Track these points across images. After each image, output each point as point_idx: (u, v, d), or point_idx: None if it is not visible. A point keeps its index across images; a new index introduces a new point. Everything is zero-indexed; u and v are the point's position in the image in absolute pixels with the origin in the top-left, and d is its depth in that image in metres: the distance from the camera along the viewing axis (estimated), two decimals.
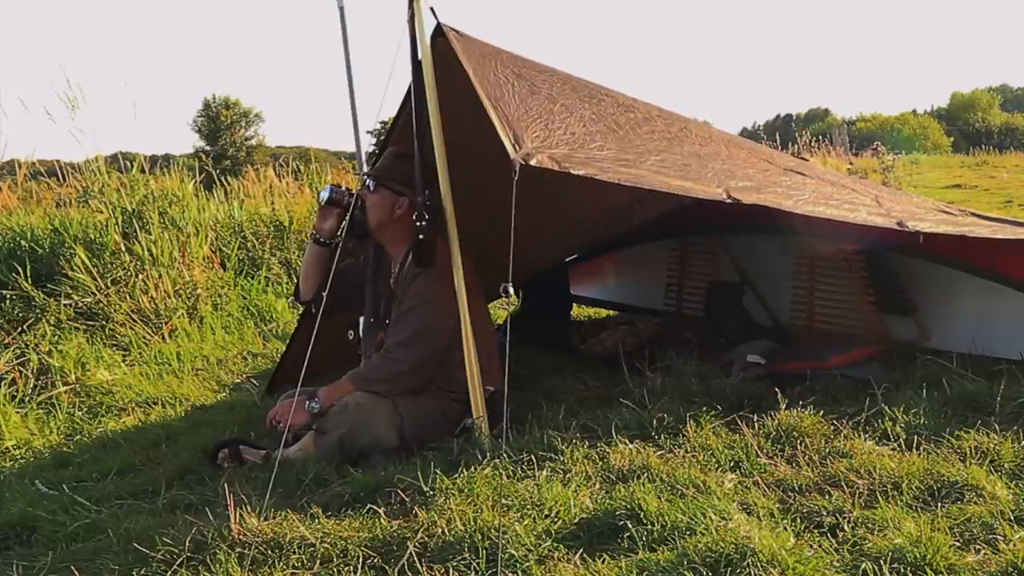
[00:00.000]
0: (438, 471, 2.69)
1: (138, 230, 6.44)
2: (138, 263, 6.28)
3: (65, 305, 5.77)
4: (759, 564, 2.05)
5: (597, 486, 2.61)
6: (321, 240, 3.54)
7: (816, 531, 2.30)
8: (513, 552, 2.21)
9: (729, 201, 3.23)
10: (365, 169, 7.14)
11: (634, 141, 3.53)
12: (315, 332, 3.21)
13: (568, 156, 3.05)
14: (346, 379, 3.30)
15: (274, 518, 2.50)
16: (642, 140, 3.57)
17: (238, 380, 5.10)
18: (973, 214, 4.14)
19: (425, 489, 2.61)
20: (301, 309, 5.24)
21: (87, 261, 6.01)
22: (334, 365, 3.65)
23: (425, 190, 3.17)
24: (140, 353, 5.57)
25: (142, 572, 2.33)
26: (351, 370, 3.37)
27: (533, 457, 2.79)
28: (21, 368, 4.92)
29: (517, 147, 2.90)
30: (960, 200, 12.03)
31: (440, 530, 2.33)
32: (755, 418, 3.07)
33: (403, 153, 3.39)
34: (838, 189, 3.84)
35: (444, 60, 3.17)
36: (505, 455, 2.78)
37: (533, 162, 2.87)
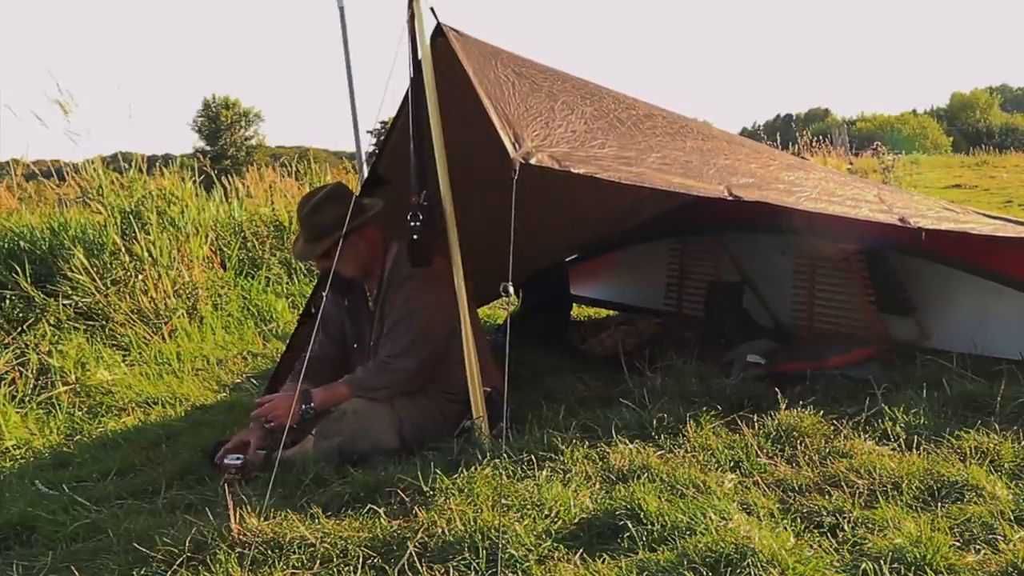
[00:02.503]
0: (438, 471, 2.69)
1: (137, 230, 6.44)
2: (137, 263, 6.28)
3: (65, 305, 5.77)
4: (759, 564, 2.05)
5: (597, 486, 2.61)
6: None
7: (816, 531, 2.30)
8: (513, 552, 2.21)
9: (731, 199, 3.22)
10: (364, 170, 7.14)
11: (636, 137, 3.52)
12: (315, 332, 3.20)
13: (568, 154, 3.04)
14: (342, 384, 3.28)
15: (274, 518, 2.50)
16: (644, 136, 3.56)
17: (238, 380, 5.10)
18: (974, 212, 4.14)
19: (425, 489, 2.60)
20: (301, 309, 5.26)
21: (86, 261, 6.01)
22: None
23: (422, 191, 3.16)
24: (140, 353, 5.57)
25: (142, 572, 2.33)
26: (347, 375, 3.36)
27: (533, 457, 2.79)
28: (21, 368, 4.91)
29: (517, 146, 2.90)
30: (960, 200, 12.01)
31: (440, 530, 2.33)
32: (755, 418, 3.07)
33: (315, 205, 3.33)
34: (840, 186, 3.83)
35: (444, 60, 3.17)
36: (505, 455, 2.78)
37: (533, 161, 2.86)
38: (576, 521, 2.38)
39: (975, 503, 2.38)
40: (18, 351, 5.10)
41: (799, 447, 2.84)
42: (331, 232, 3.26)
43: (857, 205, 3.54)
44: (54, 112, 6.69)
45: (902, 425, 2.92)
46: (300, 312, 5.06)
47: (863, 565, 2.06)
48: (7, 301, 5.73)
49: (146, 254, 6.34)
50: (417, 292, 3.25)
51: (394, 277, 3.33)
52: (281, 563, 2.30)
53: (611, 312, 5.90)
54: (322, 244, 3.28)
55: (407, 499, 2.59)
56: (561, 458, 2.80)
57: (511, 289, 2.90)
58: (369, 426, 3.16)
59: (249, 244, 7.74)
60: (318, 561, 2.31)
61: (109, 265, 6.20)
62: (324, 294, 3.40)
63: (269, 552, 2.35)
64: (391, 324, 3.31)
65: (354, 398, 3.24)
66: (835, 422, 3.01)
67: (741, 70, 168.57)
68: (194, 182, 7.82)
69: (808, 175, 3.85)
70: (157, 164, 8.04)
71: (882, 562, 2.06)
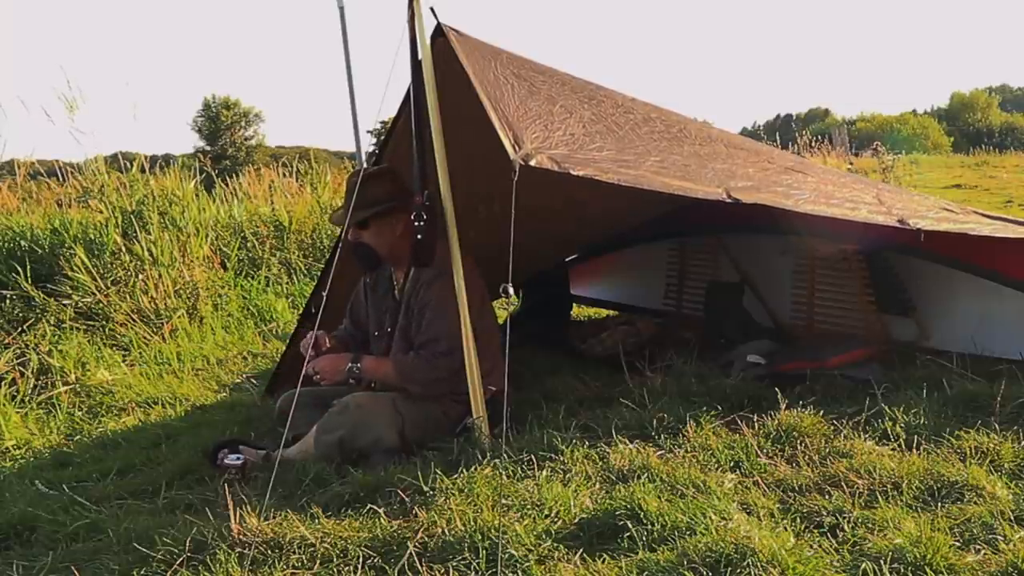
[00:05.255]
0: (438, 471, 2.69)
1: (138, 230, 6.44)
2: (138, 263, 6.29)
3: (65, 305, 5.76)
4: (759, 564, 2.05)
5: (597, 486, 2.61)
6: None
7: (816, 531, 2.30)
8: (513, 552, 2.20)
9: (729, 201, 3.23)
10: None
11: (634, 142, 3.52)
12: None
13: (568, 156, 3.05)
14: (390, 362, 3.32)
15: (274, 518, 2.49)
16: (642, 141, 3.57)
17: (238, 380, 5.10)
18: (974, 212, 4.14)
19: (425, 489, 2.60)
20: (301, 309, 5.26)
21: (87, 261, 6.01)
22: None
23: (423, 191, 3.16)
24: (140, 353, 5.57)
25: (142, 572, 2.33)
26: (395, 356, 3.35)
27: (533, 457, 2.79)
28: (21, 368, 4.91)
29: (517, 147, 2.90)
30: (960, 200, 12.00)
31: (440, 530, 2.33)
32: (755, 418, 3.07)
33: (370, 174, 3.39)
34: (839, 188, 3.83)
35: (444, 60, 3.17)
36: (505, 455, 2.78)
37: (533, 162, 2.86)
38: (576, 521, 2.38)
39: (975, 503, 2.38)
40: (18, 351, 5.11)
41: (799, 447, 2.84)
42: (379, 203, 3.33)
43: (856, 207, 3.54)
44: (60, 109, 6.72)
45: (902, 425, 2.92)
46: (300, 312, 5.07)
47: (863, 565, 2.06)
48: (7, 301, 5.73)
49: (146, 254, 6.34)
50: (447, 292, 3.21)
51: (424, 272, 3.33)
52: (281, 563, 2.30)
53: (611, 312, 5.90)
54: (366, 212, 3.32)
55: (407, 499, 2.59)
56: (561, 458, 2.80)
57: (511, 290, 2.90)
58: (371, 421, 3.16)
59: (249, 244, 7.75)
60: (318, 561, 2.31)
61: (110, 265, 6.20)
62: (324, 293, 3.39)
63: (269, 552, 2.35)
64: (428, 320, 3.29)
65: (357, 392, 3.26)
66: (835, 422, 3.01)
67: (741, 70, 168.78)
68: (196, 183, 7.83)
69: (807, 178, 3.85)
70: (157, 164, 8.04)
71: (882, 562, 2.06)
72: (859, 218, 3.46)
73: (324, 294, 3.38)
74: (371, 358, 3.35)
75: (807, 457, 2.77)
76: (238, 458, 3.18)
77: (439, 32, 3.24)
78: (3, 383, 4.71)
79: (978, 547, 2.14)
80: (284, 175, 9.88)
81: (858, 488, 2.50)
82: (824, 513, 2.37)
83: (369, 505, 2.58)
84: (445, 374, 3.23)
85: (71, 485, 3.27)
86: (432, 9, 3.19)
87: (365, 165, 7.70)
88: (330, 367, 3.30)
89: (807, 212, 3.40)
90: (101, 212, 6.68)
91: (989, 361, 3.57)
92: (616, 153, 3.30)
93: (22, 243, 6.34)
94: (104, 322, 5.84)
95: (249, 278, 7.28)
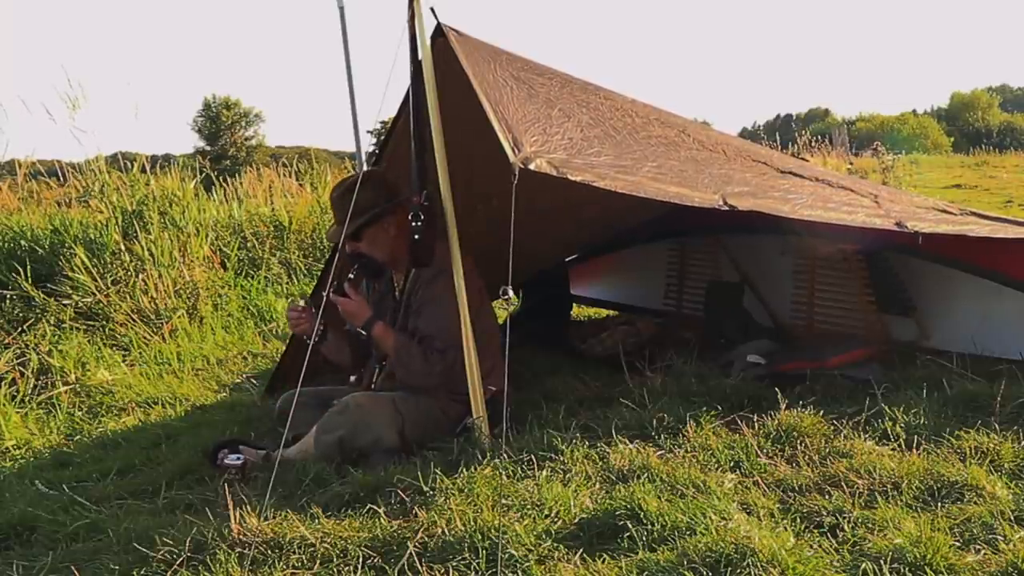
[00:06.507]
0: (438, 471, 2.69)
1: (138, 230, 6.44)
2: (138, 263, 6.28)
3: (65, 305, 5.76)
4: (759, 564, 2.05)
5: (597, 486, 2.61)
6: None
7: (816, 531, 2.30)
8: (513, 552, 2.21)
9: (725, 208, 3.24)
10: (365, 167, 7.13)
11: (631, 146, 3.53)
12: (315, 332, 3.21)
13: (566, 161, 3.05)
14: (394, 339, 3.30)
15: (274, 518, 2.49)
16: (639, 145, 3.58)
17: (238, 380, 5.09)
18: (973, 213, 4.14)
19: (425, 489, 2.60)
20: None
21: (87, 261, 6.01)
22: (334, 365, 3.65)
23: (422, 191, 3.16)
24: (140, 353, 5.57)
25: (142, 572, 2.33)
26: (400, 335, 3.33)
27: (533, 457, 2.79)
28: (21, 368, 4.91)
29: (516, 151, 2.90)
30: (960, 200, 12.01)
31: (440, 530, 2.33)
32: (755, 418, 3.07)
33: (350, 184, 3.36)
34: (836, 191, 3.84)
35: (444, 60, 3.17)
36: (505, 455, 2.78)
37: (532, 166, 2.87)
38: (576, 521, 2.38)
39: (975, 503, 2.38)
40: (18, 351, 5.11)
41: (799, 447, 2.84)
42: (363, 212, 3.29)
43: (853, 211, 3.55)
44: (61, 108, 6.72)
45: (902, 425, 2.92)
46: None
47: (863, 565, 2.06)
48: (7, 301, 5.73)
49: (147, 254, 6.34)
50: (447, 290, 3.19)
51: (423, 271, 3.32)
52: (281, 563, 2.30)
53: (611, 312, 5.90)
54: (353, 223, 3.28)
55: (407, 499, 2.59)
56: (561, 458, 2.80)
57: (511, 292, 2.90)
58: (371, 421, 3.16)
59: (249, 244, 7.75)
60: (318, 561, 2.31)
61: (110, 265, 6.20)
62: (325, 293, 3.39)
63: (269, 552, 2.35)
64: (424, 319, 3.29)
65: (357, 393, 3.26)
66: (835, 422, 3.01)
67: (741, 70, 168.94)
68: (195, 183, 7.82)
69: (804, 182, 3.86)
70: (158, 164, 8.04)
71: (882, 562, 2.07)
72: (857, 222, 3.47)
73: (324, 294, 3.39)
74: (383, 325, 3.31)
75: (807, 457, 2.77)
76: (238, 458, 3.18)
77: (439, 32, 3.24)
78: (3, 383, 4.70)
79: (978, 547, 2.14)
80: (284, 175, 9.88)
81: (858, 488, 2.50)
82: (824, 513, 2.37)
83: (369, 505, 2.58)
84: (438, 369, 3.23)
85: (71, 485, 3.27)
86: (432, 9, 3.19)
87: (365, 165, 7.73)
88: (353, 311, 3.28)
89: (804, 218, 3.40)
90: (101, 212, 6.68)
91: (989, 361, 3.57)
92: (614, 159, 3.30)
93: (22, 243, 6.33)
94: (104, 322, 5.84)
95: (249, 278, 7.28)
